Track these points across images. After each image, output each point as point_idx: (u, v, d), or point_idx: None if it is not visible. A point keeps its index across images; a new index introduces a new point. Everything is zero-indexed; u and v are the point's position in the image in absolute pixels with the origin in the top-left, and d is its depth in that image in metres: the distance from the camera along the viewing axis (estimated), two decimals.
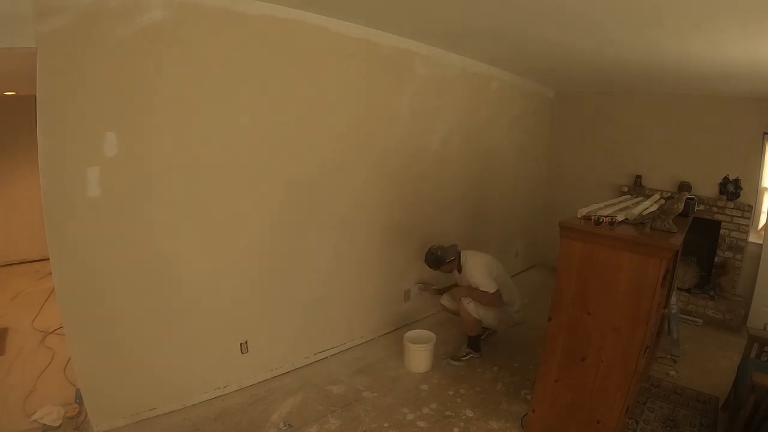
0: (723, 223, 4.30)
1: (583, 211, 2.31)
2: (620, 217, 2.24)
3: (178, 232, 2.38)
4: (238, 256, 2.63)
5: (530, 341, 3.55)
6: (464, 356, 3.24)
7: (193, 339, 2.53)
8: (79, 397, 2.41)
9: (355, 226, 3.26)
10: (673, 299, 3.39)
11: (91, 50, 1.97)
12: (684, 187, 4.41)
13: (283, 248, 2.84)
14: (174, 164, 2.30)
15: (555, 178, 5.69)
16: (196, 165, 2.37)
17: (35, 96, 1.89)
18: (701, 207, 4.29)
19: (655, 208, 2.52)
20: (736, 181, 4.25)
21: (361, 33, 2.94)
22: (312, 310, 3.09)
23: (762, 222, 4.38)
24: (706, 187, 4.43)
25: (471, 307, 3.07)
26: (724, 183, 4.32)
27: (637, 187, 4.82)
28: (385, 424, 2.51)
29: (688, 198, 2.40)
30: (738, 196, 4.25)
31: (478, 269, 3.08)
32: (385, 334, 3.65)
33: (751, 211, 4.19)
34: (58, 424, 2.30)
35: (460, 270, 3.22)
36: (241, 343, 2.73)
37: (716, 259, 4.39)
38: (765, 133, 4.14)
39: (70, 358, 2.50)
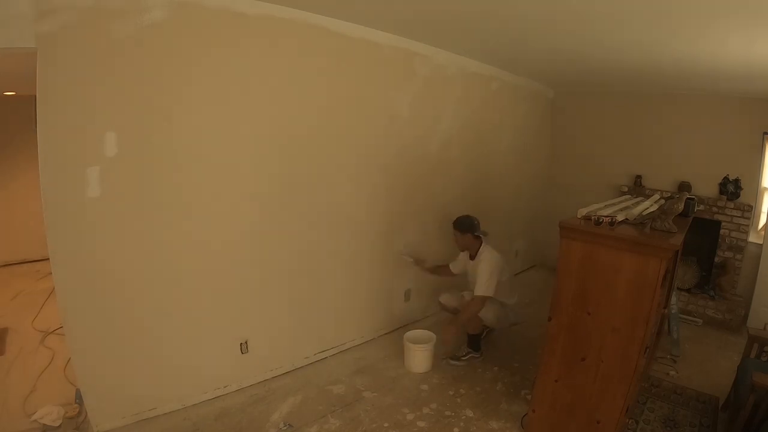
0: (723, 223, 4.30)
1: (583, 211, 2.31)
2: (620, 217, 2.24)
3: (178, 232, 2.38)
4: (239, 256, 2.63)
5: (530, 341, 3.55)
6: (464, 356, 3.21)
7: (194, 339, 2.53)
8: (79, 397, 2.41)
9: (356, 226, 3.26)
10: (673, 299, 3.39)
11: (91, 50, 1.97)
12: (684, 187, 4.41)
13: (283, 248, 2.84)
14: (174, 164, 2.30)
15: (555, 177, 5.69)
16: (196, 165, 2.37)
17: (35, 96, 1.89)
18: (701, 207, 4.29)
19: (655, 208, 2.52)
20: (736, 181, 4.25)
21: (361, 33, 2.94)
22: (312, 309, 3.09)
23: (762, 222, 4.38)
24: (706, 187, 4.43)
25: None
26: (724, 183, 4.32)
27: (637, 187, 4.82)
28: (385, 424, 2.51)
29: (688, 198, 2.40)
30: (738, 196, 4.25)
31: (491, 266, 2.98)
32: (385, 334, 3.65)
33: (751, 211, 4.19)
34: (58, 424, 2.30)
35: (473, 257, 3.15)
36: (241, 343, 2.73)
37: (716, 259, 4.39)
38: (765, 133, 4.14)
39: (70, 358, 2.50)
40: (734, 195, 4.26)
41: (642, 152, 4.87)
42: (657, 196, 3.30)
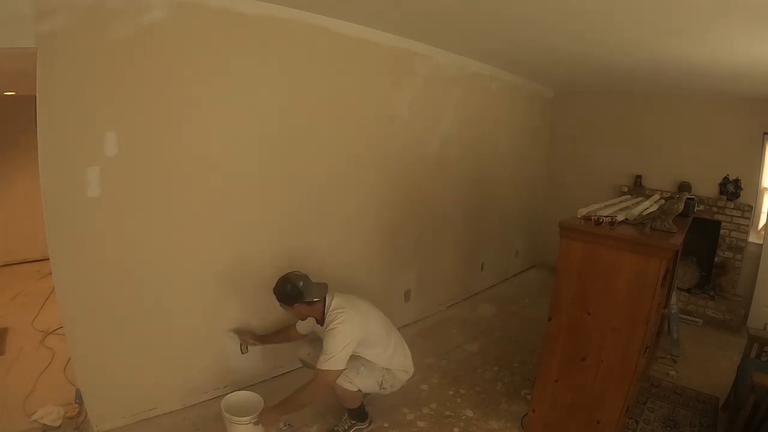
0: (723, 223, 4.31)
1: (583, 211, 2.31)
2: (620, 217, 2.24)
3: (179, 232, 2.37)
4: (239, 256, 2.63)
5: (530, 341, 3.55)
6: (347, 430, 2.42)
7: (194, 338, 2.53)
8: (79, 397, 2.40)
9: (355, 225, 3.26)
10: (673, 299, 3.39)
11: (91, 50, 1.97)
12: (684, 187, 4.41)
13: (283, 248, 2.84)
14: (174, 164, 2.30)
15: (555, 177, 5.69)
16: (196, 165, 2.37)
17: (35, 96, 1.89)
18: (701, 207, 4.29)
19: (655, 208, 2.52)
20: (736, 181, 4.26)
21: (361, 33, 2.94)
22: None
23: (762, 222, 4.38)
24: (706, 187, 4.43)
25: (345, 377, 2.20)
26: (724, 183, 4.32)
27: (637, 187, 4.82)
28: (385, 424, 2.51)
29: (688, 198, 2.40)
30: (738, 196, 4.26)
31: (343, 338, 2.12)
32: None
33: (751, 211, 4.19)
34: (58, 424, 2.30)
35: (322, 321, 2.27)
36: (240, 344, 2.72)
37: (716, 259, 4.39)
38: (765, 133, 4.14)
39: (70, 358, 2.49)
40: (734, 195, 4.26)
41: (642, 152, 4.87)
42: (657, 196, 3.30)
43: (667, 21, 2.26)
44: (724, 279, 4.26)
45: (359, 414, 2.44)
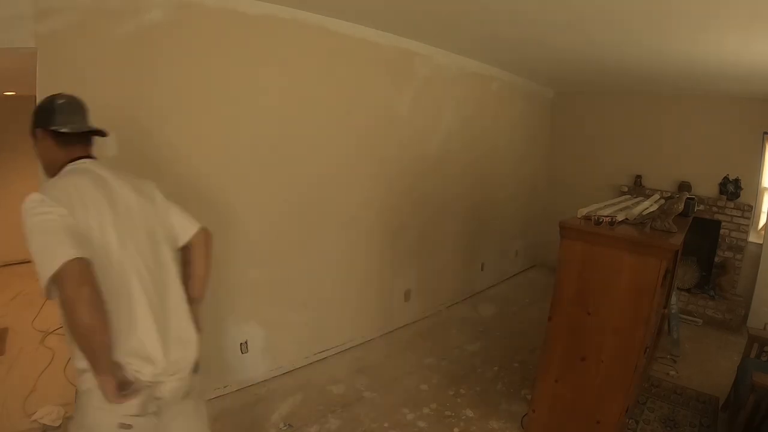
0: (723, 223, 4.30)
1: (583, 211, 2.31)
2: (620, 217, 2.24)
3: None
4: (238, 255, 2.63)
5: (530, 341, 3.55)
6: None
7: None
8: None
9: (356, 226, 3.26)
10: (673, 299, 3.39)
11: (91, 50, 1.97)
12: (684, 187, 4.41)
13: (283, 248, 2.84)
14: (174, 164, 2.30)
15: (555, 178, 5.69)
16: (196, 165, 2.37)
17: (35, 96, 1.89)
18: (701, 207, 4.29)
19: (655, 208, 2.52)
20: (736, 181, 4.25)
21: (361, 33, 2.94)
22: (312, 309, 3.09)
23: (762, 222, 4.38)
24: (706, 187, 4.43)
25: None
26: (724, 183, 4.32)
27: (637, 187, 4.82)
28: (385, 424, 2.51)
29: (688, 198, 2.40)
30: (738, 196, 4.26)
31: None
32: (385, 334, 3.64)
33: (751, 211, 4.19)
34: (58, 424, 2.30)
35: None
36: (240, 343, 2.72)
37: (716, 259, 4.39)
38: (765, 133, 4.14)
39: (70, 358, 2.49)
40: (734, 195, 4.26)
41: (642, 152, 4.87)
42: (657, 196, 3.30)
43: (667, 20, 2.26)
44: (724, 279, 4.26)
45: None
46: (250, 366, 2.79)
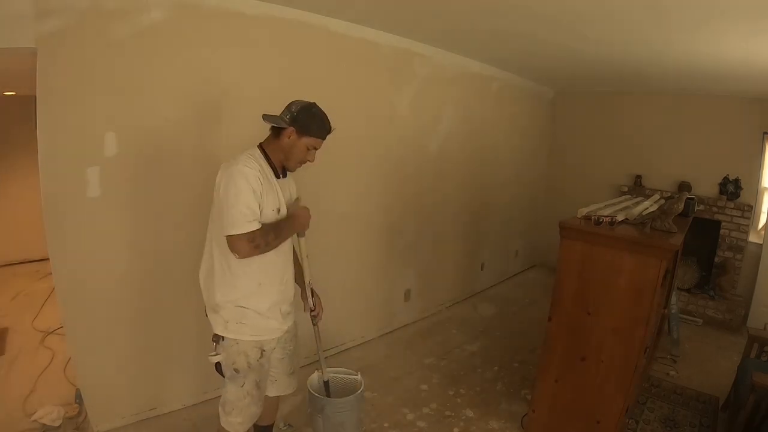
0: (723, 223, 4.31)
1: (583, 211, 2.31)
2: (620, 217, 2.24)
3: (179, 232, 2.37)
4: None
5: (530, 341, 3.55)
6: None
7: (193, 339, 2.53)
8: (79, 397, 2.41)
9: (355, 225, 3.26)
10: (673, 299, 3.39)
11: (91, 50, 1.97)
12: (684, 187, 4.41)
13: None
14: (174, 164, 2.30)
15: (555, 177, 5.69)
16: (197, 165, 2.37)
17: (35, 96, 1.89)
18: (701, 207, 4.29)
19: (655, 208, 2.52)
20: (736, 181, 4.26)
21: (361, 33, 2.94)
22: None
23: (762, 222, 4.38)
24: (706, 187, 4.43)
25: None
26: (724, 183, 4.32)
27: (637, 187, 4.82)
28: (385, 424, 2.51)
29: (688, 198, 2.40)
30: (738, 196, 4.26)
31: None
32: (385, 334, 3.64)
33: (751, 211, 4.19)
34: (58, 424, 2.30)
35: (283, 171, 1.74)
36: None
37: (716, 259, 4.39)
38: (765, 133, 4.14)
39: (70, 358, 2.49)
40: (734, 195, 4.26)
41: (642, 152, 4.87)
42: (657, 196, 3.30)
43: (667, 20, 2.26)
44: (724, 279, 4.26)
45: None
46: None
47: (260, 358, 1.68)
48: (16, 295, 4.05)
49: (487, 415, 2.64)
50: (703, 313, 4.22)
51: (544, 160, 5.68)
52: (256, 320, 1.68)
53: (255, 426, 1.89)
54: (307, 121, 1.65)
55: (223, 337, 1.67)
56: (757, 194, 4.27)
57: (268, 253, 1.63)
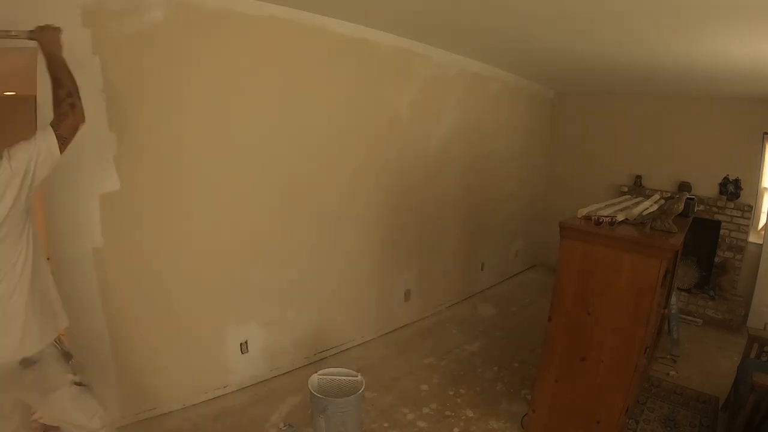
0: (723, 223, 4.30)
1: (583, 211, 2.31)
2: (620, 217, 2.24)
3: (179, 233, 2.38)
4: (239, 256, 2.63)
5: (530, 341, 3.55)
6: None
7: (194, 339, 2.53)
8: None
9: (356, 226, 3.26)
10: (673, 299, 3.39)
11: (91, 50, 1.97)
12: (684, 187, 4.41)
13: (283, 249, 2.84)
14: (174, 164, 2.30)
15: (555, 178, 5.69)
16: (197, 165, 2.37)
17: (35, 96, 1.89)
18: (701, 207, 4.29)
19: (655, 208, 2.52)
20: (736, 181, 4.25)
21: (361, 33, 2.94)
22: (312, 310, 3.09)
23: (762, 222, 4.38)
24: (706, 187, 4.43)
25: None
26: (724, 183, 4.32)
27: (637, 187, 4.82)
28: (385, 424, 2.51)
29: (688, 198, 2.40)
30: (738, 196, 4.26)
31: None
32: (385, 334, 3.64)
33: (751, 211, 4.19)
34: (58, 424, 2.30)
35: None
36: (241, 343, 2.73)
37: (716, 259, 4.39)
38: (765, 133, 4.14)
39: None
40: (734, 195, 4.26)
41: (642, 152, 4.87)
42: (657, 196, 3.30)
43: (668, 20, 2.26)
44: (724, 279, 4.26)
45: None
46: (250, 366, 2.79)
47: None
48: None
49: (487, 415, 2.64)
50: (703, 313, 4.22)
51: (544, 161, 5.68)
52: None
53: None
54: None
55: None
56: (757, 194, 4.27)
57: None
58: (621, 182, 5.02)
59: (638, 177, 4.87)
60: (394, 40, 3.17)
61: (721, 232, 4.32)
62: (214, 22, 2.29)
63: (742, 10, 1.95)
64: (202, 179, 2.41)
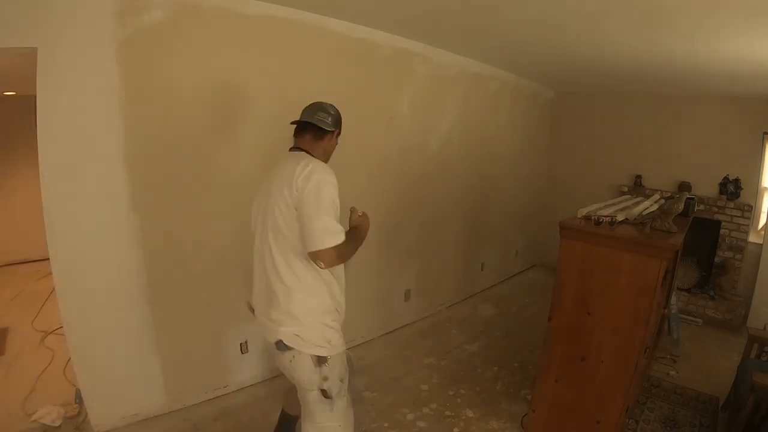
0: (723, 223, 4.30)
1: (583, 211, 2.31)
2: (620, 217, 2.24)
3: (179, 233, 2.38)
4: (238, 253, 2.62)
5: (530, 341, 3.55)
6: None
7: (194, 339, 2.53)
8: (79, 397, 2.41)
9: None
10: (673, 299, 3.39)
11: (91, 50, 1.97)
12: (684, 187, 4.41)
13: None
14: (174, 164, 2.30)
15: (555, 177, 5.69)
16: (197, 165, 2.37)
17: (35, 96, 1.89)
18: (701, 207, 4.29)
19: (655, 208, 2.52)
20: (736, 181, 4.26)
21: (361, 33, 2.94)
22: None
23: (762, 222, 4.38)
24: (706, 187, 4.43)
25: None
26: (724, 183, 4.32)
27: (637, 187, 4.82)
28: (385, 424, 2.51)
29: (688, 198, 2.40)
30: (738, 196, 4.26)
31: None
32: (385, 334, 3.64)
33: (751, 211, 4.19)
34: (58, 424, 2.30)
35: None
36: (241, 343, 2.72)
37: (716, 259, 4.39)
38: (765, 133, 4.14)
39: (70, 358, 2.49)
40: (734, 195, 4.26)
41: (642, 152, 4.87)
42: (657, 196, 3.30)
43: (668, 20, 2.26)
44: (724, 279, 4.26)
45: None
46: (250, 366, 2.79)
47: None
48: (16, 295, 4.05)
49: (487, 415, 2.64)
50: (703, 313, 4.22)
51: (544, 160, 5.68)
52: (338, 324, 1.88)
53: (286, 414, 2.08)
54: (340, 121, 1.83)
55: (327, 357, 1.73)
56: (757, 194, 4.27)
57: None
58: (621, 182, 5.02)
59: (638, 177, 4.87)
60: (395, 40, 3.17)
61: (721, 231, 4.32)
62: (214, 22, 2.29)
63: (741, 10, 1.95)
64: (202, 180, 2.41)
